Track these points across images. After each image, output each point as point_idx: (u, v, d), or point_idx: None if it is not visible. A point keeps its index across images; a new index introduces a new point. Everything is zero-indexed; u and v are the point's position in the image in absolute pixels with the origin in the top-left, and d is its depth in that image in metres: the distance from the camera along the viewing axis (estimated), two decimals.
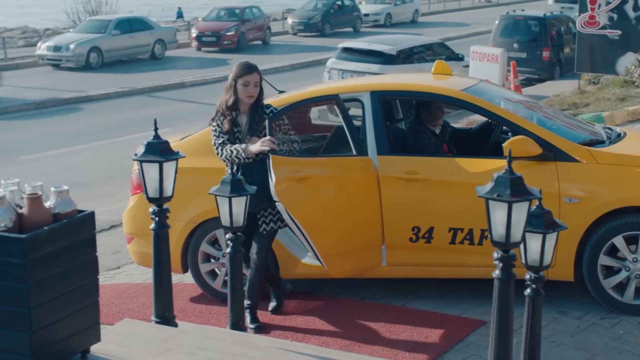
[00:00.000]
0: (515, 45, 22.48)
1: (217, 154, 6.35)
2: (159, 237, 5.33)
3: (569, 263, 6.50)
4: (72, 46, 27.79)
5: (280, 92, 7.52)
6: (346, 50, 18.96)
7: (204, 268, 7.09)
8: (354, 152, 6.76)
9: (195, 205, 6.89)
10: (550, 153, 6.45)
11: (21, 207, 4.34)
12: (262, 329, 6.39)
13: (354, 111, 7.26)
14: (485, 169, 6.47)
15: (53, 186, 4.47)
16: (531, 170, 6.29)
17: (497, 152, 6.98)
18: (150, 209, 5.34)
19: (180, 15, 48.34)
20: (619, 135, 7.21)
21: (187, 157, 6.54)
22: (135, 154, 5.21)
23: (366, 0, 44.21)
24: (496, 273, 4.41)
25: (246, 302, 6.24)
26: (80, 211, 4.50)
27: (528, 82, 21.97)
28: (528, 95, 18.10)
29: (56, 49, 28.06)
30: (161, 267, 5.40)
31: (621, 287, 6.46)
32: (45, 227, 4.25)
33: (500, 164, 6.19)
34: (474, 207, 6.12)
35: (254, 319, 6.46)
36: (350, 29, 38.94)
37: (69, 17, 38.49)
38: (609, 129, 7.49)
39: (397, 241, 6.73)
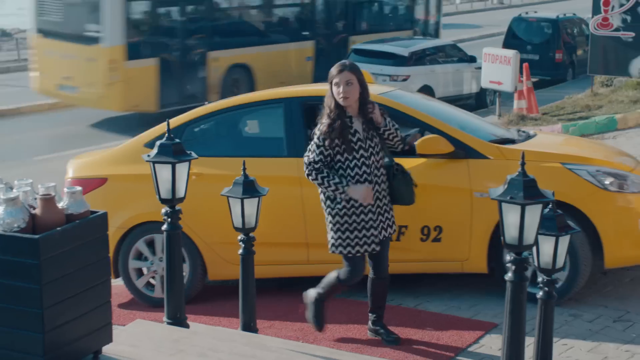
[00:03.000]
0: (528, 47, 22.43)
1: (309, 175, 5.85)
2: (172, 238, 5.35)
3: (483, 255, 6.73)
4: None
5: (208, 102, 7.88)
6: (358, 52, 18.94)
7: (134, 266, 7.22)
8: (278, 154, 7.09)
9: (126, 210, 7.11)
10: (462, 151, 6.73)
11: (34, 208, 4.35)
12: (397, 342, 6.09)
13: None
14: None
15: (66, 187, 4.48)
16: (444, 168, 6.70)
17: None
18: (163, 210, 5.35)
19: None
20: (530, 135, 7.50)
21: (117, 164, 7.21)
22: (148, 155, 5.23)
23: None
24: (509, 276, 4.40)
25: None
26: (93, 212, 4.51)
27: (541, 84, 21.92)
28: (540, 95, 18.10)
29: None
30: (173, 268, 5.41)
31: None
32: (58, 228, 4.26)
33: (415, 162, 6.71)
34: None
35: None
36: None
37: None
38: (523, 131, 7.79)
39: (319, 239, 6.81)
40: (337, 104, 5.80)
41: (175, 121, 7.29)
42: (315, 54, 19.86)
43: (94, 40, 16.39)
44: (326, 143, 5.76)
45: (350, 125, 5.81)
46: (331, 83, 5.82)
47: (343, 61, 5.95)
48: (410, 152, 6.87)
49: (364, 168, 5.79)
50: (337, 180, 5.72)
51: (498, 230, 6.41)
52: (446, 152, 6.66)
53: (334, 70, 5.83)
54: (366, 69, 20.17)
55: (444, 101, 18.38)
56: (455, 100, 19.31)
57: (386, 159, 6.00)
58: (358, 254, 5.83)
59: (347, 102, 5.78)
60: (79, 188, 4.46)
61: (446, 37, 27.96)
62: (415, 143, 6.76)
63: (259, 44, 18.65)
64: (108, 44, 16.27)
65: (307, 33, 19.78)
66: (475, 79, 18.89)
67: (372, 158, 5.84)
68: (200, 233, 7.00)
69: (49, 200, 4.32)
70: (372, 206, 5.79)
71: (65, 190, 4.45)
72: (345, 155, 5.77)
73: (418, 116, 7.06)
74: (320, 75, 16.38)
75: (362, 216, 5.77)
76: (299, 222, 6.95)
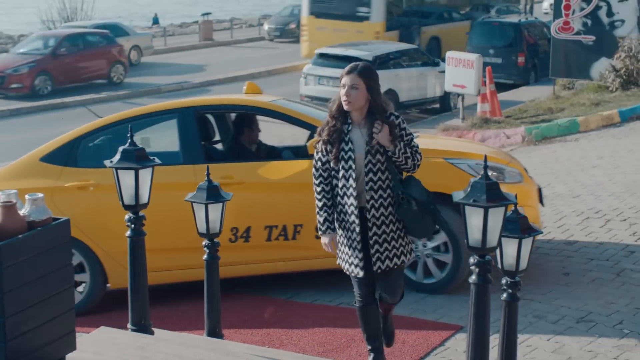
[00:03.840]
0: (490, 50, 22.60)
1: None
2: (135, 244, 5.31)
3: None
4: None
5: (100, 117, 8.12)
6: (322, 56, 18.97)
7: None
8: (174, 162, 7.30)
9: None
10: None
11: None
12: None
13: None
14: (293, 169, 7.21)
15: (28, 194, 4.43)
16: None
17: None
18: (126, 217, 5.31)
19: (156, 21, 48.21)
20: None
21: (12, 179, 7.38)
22: (111, 161, 5.19)
23: None
24: (473, 278, 4.42)
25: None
26: (55, 219, 4.46)
27: (503, 88, 22.09)
28: (503, 98, 18.25)
29: None
30: (137, 274, 5.37)
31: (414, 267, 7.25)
32: (20, 236, 4.21)
33: (305, 163, 7.04)
34: (286, 205, 7.12)
35: None
36: None
37: (44, 24, 38.28)
38: None
39: None
40: (339, 106, 5.32)
41: (70, 135, 7.60)
42: (470, 30, 25.71)
43: (364, 19, 25.47)
44: (318, 146, 5.37)
45: (345, 132, 5.29)
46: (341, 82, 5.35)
47: (357, 63, 5.42)
48: (304, 154, 7.28)
49: (350, 182, 5.23)
50: (323, 218, 5.35)
51: None
52: None
53: (344, 70, 5.34)
54: (330, 73, 20.28)
55: (408, 104, 18.68)
56: (420, 104, 19.47)
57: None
58: (344, 270, 5.43)
59: (349, 107, 5.25)
60: (40, 195, 4.41)
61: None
62: (307, 144, 7.19)
63: (444, 22, 28.01)
64: (375, 20, 25.46)
65: (465, 13, 29.49)
66: (439, 82, 19.00)
67: (372, 176, 5.25)
68: (100, 242, 7.23)
69: (10, 208, 4.26)
70: (357, 226, 5.25)
71: (27, 197, 4.40)
72: (336, 163, 5.29)
73: (305, 119, 7.46)
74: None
75: (349, 233, 5.31)
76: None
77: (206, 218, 5.41)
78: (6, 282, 4.08)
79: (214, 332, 5.69)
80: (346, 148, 5.27)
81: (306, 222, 6.98)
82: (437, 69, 19.26)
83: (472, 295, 4.45)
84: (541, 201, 7.85)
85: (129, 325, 5.48)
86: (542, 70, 22.23)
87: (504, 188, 7.00)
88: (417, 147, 5.36)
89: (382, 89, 18.75)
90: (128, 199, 5.17)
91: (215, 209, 5.43)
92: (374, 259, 5.26)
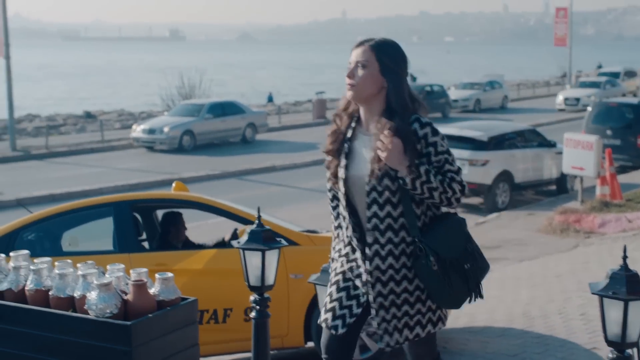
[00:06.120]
0: (608, 132, 22.17)
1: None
2: (260, 326, 5.29)
3: (300, 330, 7.31)
4: (165, 129, 28.47)
5: (31, 212, 8.22)
6: None
7: None
8: (112, 250, 7.62)
9: None
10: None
11: (126, 294, 4.36)
12: None
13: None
14: (222, 256, 7.48)
15: (157, 273, 4.48)
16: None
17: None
18: (251, 298, 5.32)
19: (270, 99, 49.31)
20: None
21: None
22: (238, 242, 5.23)
23: (455, 86, 44.42)
24: None
25: None
26: (183, 298, 4.50)
27: (622, 170, 21.55)
28: (623, 180, 17.75)
29: (150, 131, 28.78)
30: (260, 356, 5.34)
31: None
32: (150, 315, 4.25)
33: (228, 252, 7.38)
34: (216, 290, 7.29)
35: None
36: (440, 115, 39.01)
37: (164, 101, 39.61)
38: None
39: None
40: (347, 101, 3.96)
41: (7, 227, 7.73)
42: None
43: None
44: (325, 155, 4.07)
45: (346, 137, 3.93)
46: None
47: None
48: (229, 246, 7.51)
49: (343, 212, 3.90)
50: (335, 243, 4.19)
51: (312, 307, 7.15)
52: None
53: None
54: None
55: (524, 186, 18.36)
56: (536, 186, 19.14)
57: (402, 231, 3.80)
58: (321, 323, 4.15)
59: (352, 95, 3.82)
60: (170, 274, 4.46)
61: (524, 121, 27.87)
62: (237, 232, 7.70)
63: None
64: None
65: None
66: (555, 163, 18.69)
67: (376, 209, 3.76)
68: None
69: (140, 286, 4.32)
70: (358, 276, 3.93)
71: (157, 276, 4.46)
72: (335, 182, 3.98)
73: (234, 211, 7.77)
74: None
75: (335, 276, 4.10)
76: None
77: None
78: None
79: None
80: (342, 163, 3.89)
81: (235, 305, 7.28)
82: (553, 150, 18.97)
83: None
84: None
85: None
86: None
87: None
88: (456, 172, 3.77)
89: (498, 170, 18.89)
90: (254, 280, 5.19)
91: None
92: (380, 331, 3.87)
